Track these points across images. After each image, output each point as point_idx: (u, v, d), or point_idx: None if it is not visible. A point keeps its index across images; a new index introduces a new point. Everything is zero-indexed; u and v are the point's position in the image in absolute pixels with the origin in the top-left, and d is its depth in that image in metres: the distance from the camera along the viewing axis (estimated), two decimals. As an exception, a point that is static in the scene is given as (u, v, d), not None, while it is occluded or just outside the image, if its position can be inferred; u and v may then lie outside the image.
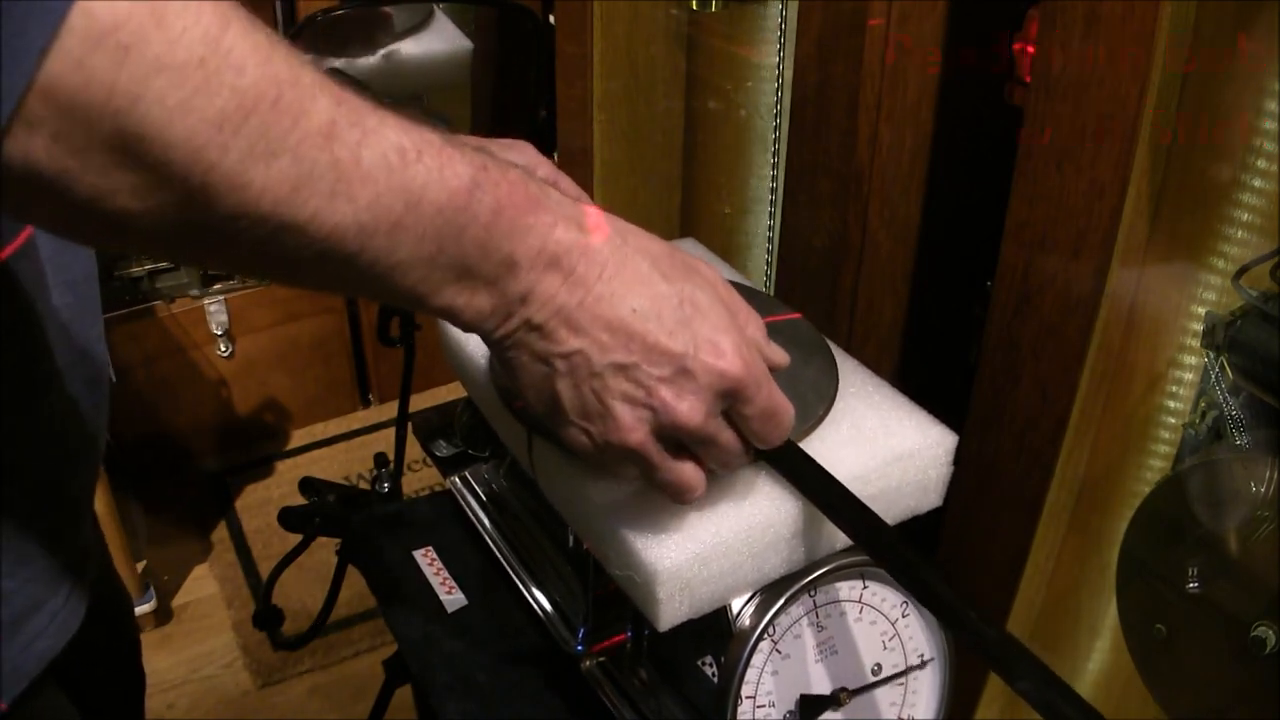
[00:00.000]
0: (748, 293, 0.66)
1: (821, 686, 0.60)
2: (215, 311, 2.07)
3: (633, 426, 0.48)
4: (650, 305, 0.47)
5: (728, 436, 0.50)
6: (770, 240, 1.03)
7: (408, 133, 0.41)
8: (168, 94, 0.33)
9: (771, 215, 1.02)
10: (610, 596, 0.69)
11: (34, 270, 0.54)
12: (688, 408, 0.47)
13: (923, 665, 0.62)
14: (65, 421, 0.58)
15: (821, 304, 0.93)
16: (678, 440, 0.49)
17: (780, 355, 0.53)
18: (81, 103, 0.32)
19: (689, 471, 0.50)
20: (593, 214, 0.47)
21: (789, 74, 0.93)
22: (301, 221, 0.38)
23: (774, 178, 1.00)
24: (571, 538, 0.75)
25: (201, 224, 0.37)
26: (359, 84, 0.41)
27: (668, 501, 0.53)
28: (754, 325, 0.51)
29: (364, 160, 0.39)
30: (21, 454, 0.54)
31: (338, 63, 1.17)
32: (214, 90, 0.34)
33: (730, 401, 0.49)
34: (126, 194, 0.35)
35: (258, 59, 0.35)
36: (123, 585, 0.83)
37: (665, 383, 0.47)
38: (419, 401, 1.16)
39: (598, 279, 0.46)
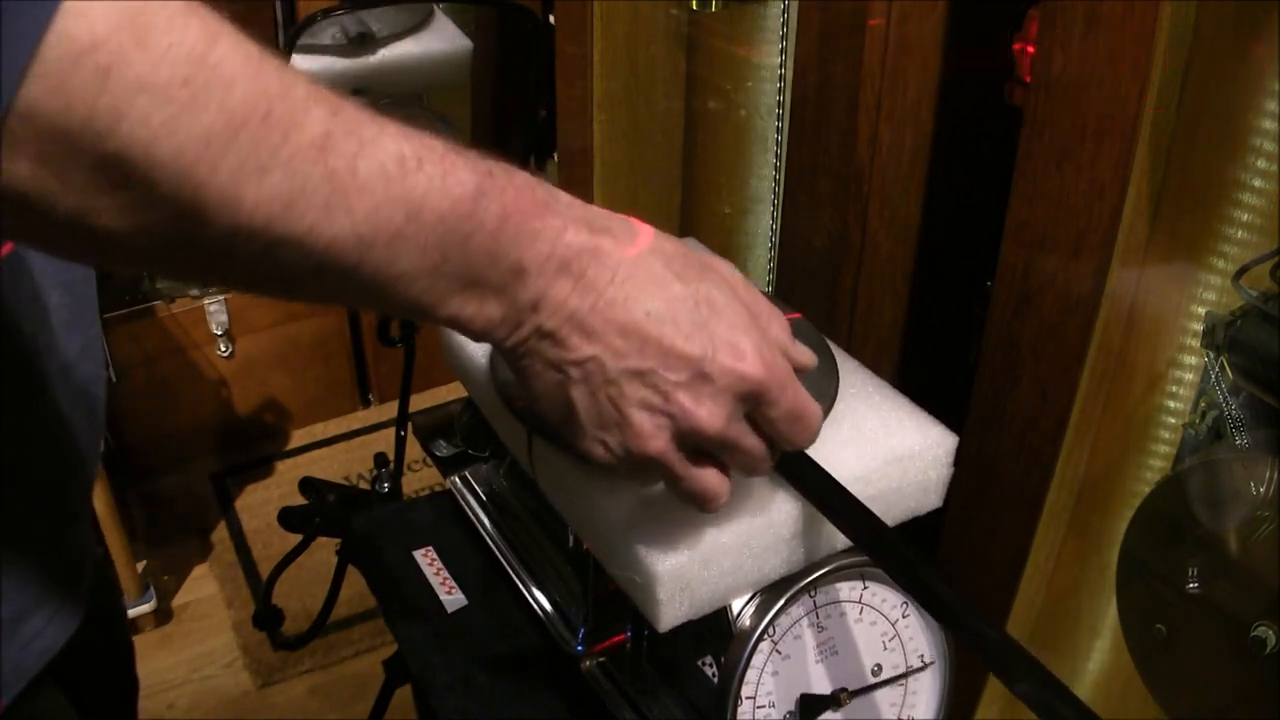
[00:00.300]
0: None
1: (821, 687, 0.60)
2: (215, 311, 2.07)
3: (652, 434, 0.46)
4: (665, 308, 0.45)
5: (751, 441, 0.48)
6: (770, 240, 1.03)
7: (408, 141, 0.40)
8: (152, 114, 0.32)
9: (772, 215, 1.02)
10: (610, 596, 0.69)
11: (31, 271, 0.54)
12: (707, 413, 0.46)
13: (923, 666, 0.62)
14: (63, 422, 0.58)
15: (821, 304, 0.93)
16: (699, 446, 0.48)
17: (806, 355, 0.51)
18: (62, 125, 0.32)
19: (712, 479, 0.49)
20: (635, 224, 0.47)
21: (789, 74, 0.93)
22: (297, 236, 0.37)
23: (774, 178, 1.00)
24: (571, 538, 0.75)
25: (193, 241, 0.36)
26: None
27: (668, 501, 0.52)
28: (777, 325, 0.49)
29: (360, 171, 0.38)
30: (20, 454, 0.54)
31: (338, 63, 1.17)
32: (200, 107, 0.33)
33: (753, 404, 0.47)
34: (114, 213, 0.34)
35: (247, 73, 0.35)
36: (118, 587, 0.83)
37: (683, 388, 0.45)
38: (419, 401, 1.16)
39: (609, 282, 0.44)
